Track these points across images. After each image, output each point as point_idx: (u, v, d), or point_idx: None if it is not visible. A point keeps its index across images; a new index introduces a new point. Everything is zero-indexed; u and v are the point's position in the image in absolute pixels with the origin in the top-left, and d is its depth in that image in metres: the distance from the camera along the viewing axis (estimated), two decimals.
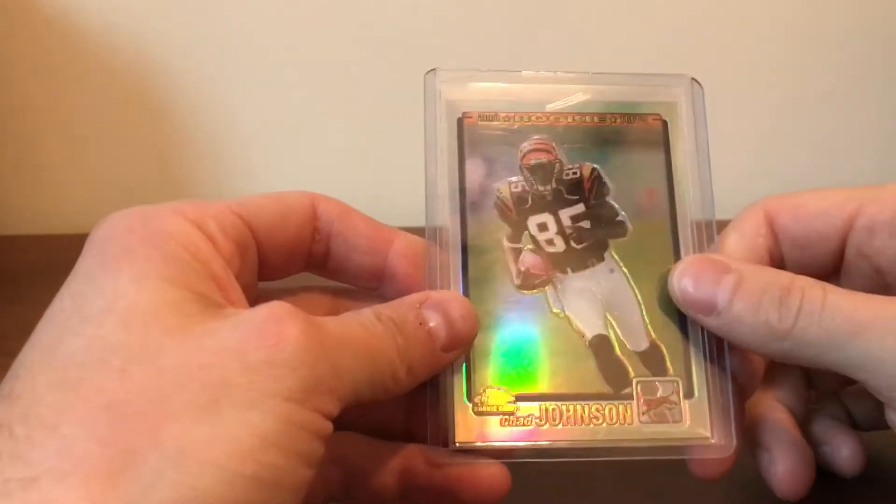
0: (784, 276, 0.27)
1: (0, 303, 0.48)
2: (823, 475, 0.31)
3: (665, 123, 0.31)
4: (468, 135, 0.31)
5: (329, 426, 0.22)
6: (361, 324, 0.25)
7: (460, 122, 0.31)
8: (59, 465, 0.19)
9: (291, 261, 0.29)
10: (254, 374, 0.21)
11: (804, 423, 0.31)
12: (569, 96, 0.31)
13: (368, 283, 0.30)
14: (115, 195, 0.58)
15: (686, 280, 0.28)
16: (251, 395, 0.21)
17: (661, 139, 0.31)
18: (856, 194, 0.29)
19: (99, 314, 0.22)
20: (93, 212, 0.25)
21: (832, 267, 0.30)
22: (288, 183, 0.30)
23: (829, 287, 0.26)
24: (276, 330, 0.22)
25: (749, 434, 0.30)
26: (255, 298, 0.27)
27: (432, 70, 0.31)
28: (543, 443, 0.28)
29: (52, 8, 0.54)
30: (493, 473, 0.27)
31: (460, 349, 0.27)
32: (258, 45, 0.56)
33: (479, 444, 0.28)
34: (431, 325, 0.26)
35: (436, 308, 0.27)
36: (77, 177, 0.58)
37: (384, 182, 0.53)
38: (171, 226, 0.24)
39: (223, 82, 0.57)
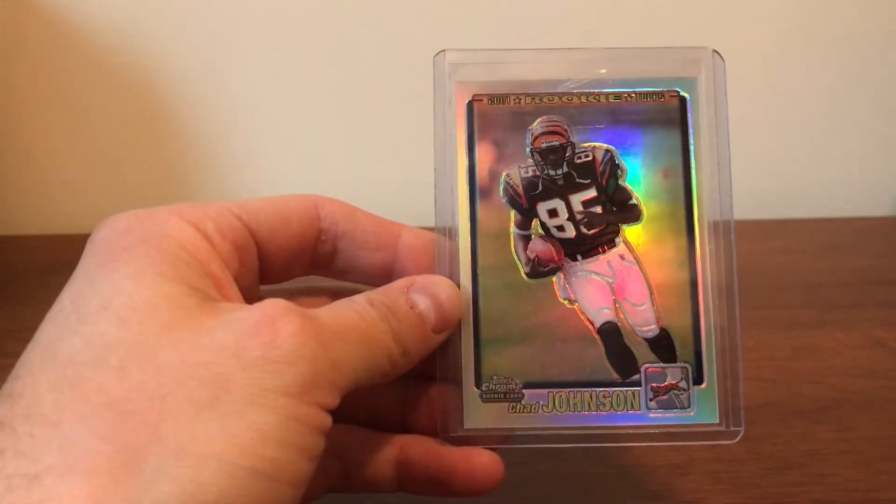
0: None
1: (0, 303, 0.48)
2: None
3: (683, 100, 0.30)
4: (479, 118, 0.30)
5: (328, 419, 0.23)
6: (356, 311, 0.25)
7: (470, 105, 0.30)
8: (62, 462, 0.19)
9: (295, 263, 0.29)
10: (252, 370, 0.21)
11: None
12: (582, 75, 0.30)
13: (378, 281, 0.30)
14: (117, 195, 0.58)
15: None
16: (250, 391, 0.21)
17: (679, 117, 0.30)
18: None
19: (96, 312, 0.22)
20: (94, 212, 0.26)
21: None
22: (293, 183, 0.30)
23: None
24: (271, 327, 0.22)
25: None
26: (256, 301, 0.27)
27: (441, 52, 0.30)
28: (551, 429, 0.29)
29: (53, 8, 0.54)
30: (487, 462, 0.27)
31: (449, 329, 0.28)
32: (259, 46, 0.56)
33: (486, 430, 0.28)
34: (421, 307, 0.27)
35: (423, 291, 0.27)
36: (78, 177, 0.59)
37: (391, 179, 0.53)
38: (169, 226, 0.24)
39: (225, 82, 0.56)
